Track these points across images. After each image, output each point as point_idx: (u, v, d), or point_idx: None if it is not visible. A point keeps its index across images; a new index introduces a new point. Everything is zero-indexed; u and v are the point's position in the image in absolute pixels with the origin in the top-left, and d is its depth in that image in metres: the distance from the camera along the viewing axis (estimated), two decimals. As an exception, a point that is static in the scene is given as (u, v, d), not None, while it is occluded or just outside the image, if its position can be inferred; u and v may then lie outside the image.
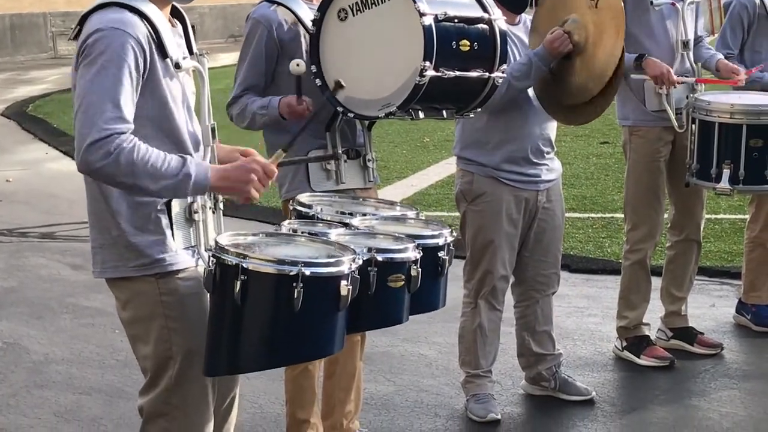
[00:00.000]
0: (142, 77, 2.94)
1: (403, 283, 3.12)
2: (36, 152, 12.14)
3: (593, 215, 8.36)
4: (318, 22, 3.90)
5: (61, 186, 9.87)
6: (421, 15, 3.63)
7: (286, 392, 4.17)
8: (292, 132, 4.04)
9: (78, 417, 4.87)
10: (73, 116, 2.90)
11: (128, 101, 2.88)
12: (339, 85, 3.54)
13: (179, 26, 3.16)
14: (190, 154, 3.04)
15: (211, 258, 2.90)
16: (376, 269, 3.04)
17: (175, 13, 3.16)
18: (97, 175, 2.90)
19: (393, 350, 5.64)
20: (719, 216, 8.14)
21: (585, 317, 6.11)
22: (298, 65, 3.85)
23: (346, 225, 3.32)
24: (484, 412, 4.69)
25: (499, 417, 4.70)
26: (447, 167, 9.84)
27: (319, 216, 3.43)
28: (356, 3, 3.82)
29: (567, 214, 8.12)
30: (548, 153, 4.72)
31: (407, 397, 5.02)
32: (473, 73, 3.85)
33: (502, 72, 3.94)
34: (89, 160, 2.84)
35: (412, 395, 5.04)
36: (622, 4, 4.47)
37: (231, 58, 4.45)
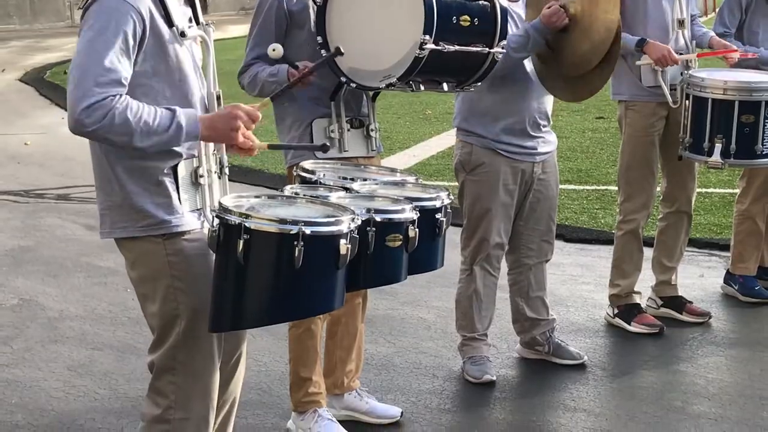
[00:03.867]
0: (140, 46, 2.93)
1: (401, 242, 3.14)
2: (52, 117, 12.15)
3: (588, 187, 8.35)
4: (325, -6, 3.89)
5: (77, 149, 9.80)
6: (423, -11, 3.62)
7: (290, 351, 4.18)
8: (299, 99, 4.04)
9: (90, 371, 4.88)
10: (68, 74, 2.90)
11: (122, 65, 2.86)
12: (338, 51, 3.50)
13: None
14: None
15: (215, 218, 2.90)
16: (374, 229, 3.06)
17: None
18: (91, 136, 2.89)
19: (393, 313, 5.64)
20: (709, 190, 8.13)
21: (578, 285, 6.11)
22: (274, 50, 3.79)
23: (347, 190, 3.32)
24: (479, 373, 4.70)
25: (494, 378, 4.71)
26: (448, 139, 9.81)
27: (321, 181, 3.43)
28: (362, -23, 3.81)
29: (563, 186, 8.13)
30: (545, 126, 4.70)
31: (406, 358, 5.03)
32: (473, 48, 3.85)
33: (502, 48, 3.93)
34: (84, 123, 2.83)
35: (411, 356, 5.04)
36: None
37: (241, 29, 4.41)
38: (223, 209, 2.89)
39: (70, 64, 2.91)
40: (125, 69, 2.88)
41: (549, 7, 4.39)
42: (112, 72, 2.84)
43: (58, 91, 13.75)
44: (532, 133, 4.63)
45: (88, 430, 4.27)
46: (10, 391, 4.66)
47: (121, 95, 2.85)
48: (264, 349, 5.05)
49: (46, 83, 15.03)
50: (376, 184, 3.48)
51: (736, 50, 5.22)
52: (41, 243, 7.10)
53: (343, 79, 3.87)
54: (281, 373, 4.69)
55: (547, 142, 4.73)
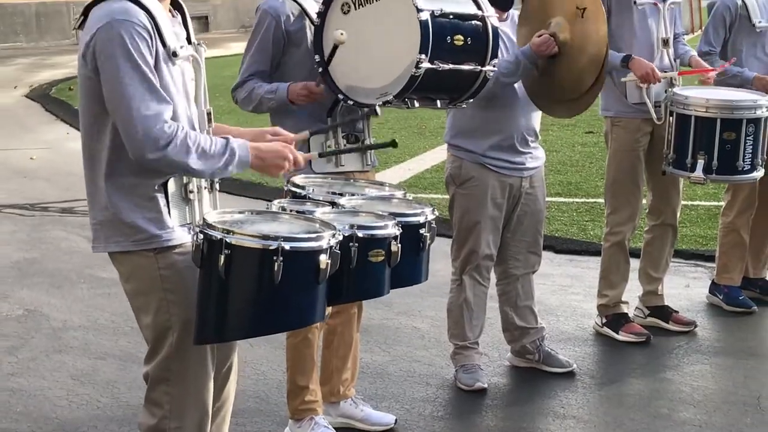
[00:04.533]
0: (154, 60, 2.93)
1: (383, 258, 3.12)
2: (58, 132, 12.14)
3: (577, 200, 8.37)
4: (322, 15, 3.91)
5: (81, 164, 9.81)
6: (419, 11, 3.64)
7: (287, 359, 4.18)
8: (297, 115, 4.06)
9: (93, 380, 4.89)
10: (113, 113, 2.89)
11: (157, 87, 2.89)
12: (374, 112, 3.63)
13: (179, 16, 3.14)
14: None
15: (199, 233, 2.90)
16: (357, 245, 3.05)
17: (174, 4, 3.14)
18: (157, 165, 2.91)
19: (388, 323, 5.66)
20: (695, 202, 8.16)
21: (568, 295, 6.13)
22: (342, 34, 3.78)
23: (333, 204, 3.32)
24: (471, 381, 4.72)
25: (485, 386, 4.72)
26: (441, 153, 9.78)
27: (310, 196, 3.44)
28: (358, -3, 3.83)
29: (553, 199, 8.19)
30: (533, 142, 4.72)
31: (400, 366, 5.04)
32: (466, 67, 3.86)
33: (493, 66, 3.95)
34: (148, 156, 2.86)
35: (405, 365, 5.06)
36: (605, 13, 4.44)
37: (242, 47, 4.46)
38: (206, 225, 2.89)
39: (113, 97, 2.88)
40: (159, 88, 2.90)
41: (539, 36, 4.43)
42: (155, 98, 2.87)
43: (64, 107, 13.75)
44: (521, 149, 4.65)
45: (91, 438, 4.29)
46: (15, 399, 4.66)
47: (170, 117, 2.88)
48: (262, 357, 5.06)
49: (51, 99, 15.03)
50: (363, 198, 3.49)
51: (713, 69, 5.25)
52: (46, 255, 7.10)
53: (341, 97, 3.89)
54: (279, 381, 4.70)
55: (535, 158, 4.75)
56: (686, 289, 6.19)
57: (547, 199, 7.93)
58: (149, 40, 2.91)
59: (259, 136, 3.24)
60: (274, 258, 2.80)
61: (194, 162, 2.90)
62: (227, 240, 2.82)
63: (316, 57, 3.93)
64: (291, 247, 2.82)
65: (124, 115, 2.87)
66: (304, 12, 4.04)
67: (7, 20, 24.83)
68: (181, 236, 3.07)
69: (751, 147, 5.07)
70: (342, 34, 3.75)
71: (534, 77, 4.55)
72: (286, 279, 2.81)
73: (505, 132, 4.60)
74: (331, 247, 2.90)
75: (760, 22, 5.55)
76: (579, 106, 4.61)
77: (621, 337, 5.32)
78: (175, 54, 3.01)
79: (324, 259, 2.87)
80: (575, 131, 11.39)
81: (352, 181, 3.83)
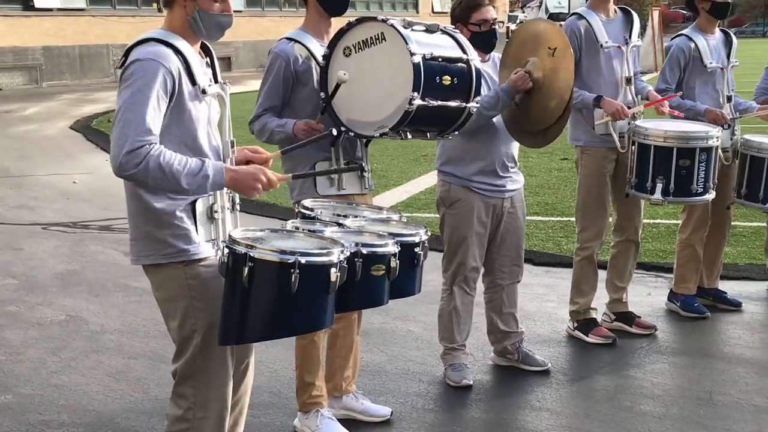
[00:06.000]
0: (171, 100, 2.97)
1: (384, 272, 3.14)
2: (98, 159, 12.18)
3: (553, 219, 8.38)
4: (327, 57, 3.93)
5: (117, 187, 9.66)
6: (412, 54, 3.66)
7: (296, 359, 4.19)
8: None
9: (127, 377, 4.90)
10: (112, 124, 2.94)
11: (155, 118, 2.91)
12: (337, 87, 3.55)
13: (206, 58, 3.18)
14: None
15: (225, 248, 2.92)
16: (361, 260, 3.07)
17: (204, 48, 3.19)
18: (131, 179, 2.93)
19: (386, 326, 5.66)
20: (657, 221, 8.16)
21: (544, 302, 6.13)
22: (344, 74, 3.81)
23: (340, 225, 3.34)
24: (459, 378, 4.72)
25: (471, 383, 4.73)
26: (434, 177, 9.76)
27: (319, 217, 3.46)
28: (359, 42, 3.85)
29: (532, 218, 8.19)
30: (512, 167, 4.74)
31: (396, 365, 5.04)
32: (453, 103, 3.87)
33: (477, 102, 3.97)
34: (125, 167, 2.88)
35: (401, 364, 5.06)
36: (572, 54, 4.46)
37: (259, 83, 4.49)
38: (231, 240, 2.92)
39: (114, 116, 2.93)
40: (158, 121, 2.93)
41: (516, 73, 4.46)
42: (148, 125, 2.88)
43: (103, 137, 13.78)
44: (501, 174, 4.67)
45: (124, 428, 4.28)
46: (57, 394, 4.68)
47: (154, 144, 2.89)
48: (275, 358, 5.07)
49: (92, 130, 15.07)
50: (365, 220, 3.50)
51: (663, 99, 5.24)
52: (86, 267, 7.12)
53: (343, 129, 3.90)
54: (290, 378, 4.70)
55: (515, 181, 4.76)
56: (648, 297, 6.19)
57: (527, 217, 7.97)
58: (172, 83, 2.95)
59: (240, 152, 3.25)
60: (292, 270, 2.82)
61: (167, 181, 2.91)
62: (251, 254, 2.84)
63: (322, 94, 3.95)
64: (306, 261, 2.84)
65: (115, 133, 2.91)
66: (311, 55, 4.07)
67: (54, 61, 24.92)
68: (207, 251, 3.10)
69: (703, 172, 5.09)
70: (345, 74, 3.77)
71: (512, 109, 4.57)
72: (302, 289, 2.84)
73: (487, 159, 4.62)
74: (340, 261, 2.92)
75: (711, 63, 5.58)
76: (546, 139, 4.60)
77: (590, 339, 5.33)
78: (204, 92, 3.05)
79: (334, 272, 2.89)
80: (552, 158, 11.40)
81: (354, 205, 3.84)
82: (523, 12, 57.42)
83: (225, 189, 3.15)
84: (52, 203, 9.63)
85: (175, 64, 2.98)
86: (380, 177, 10.46)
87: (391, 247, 3.16)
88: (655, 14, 29.04)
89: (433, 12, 39.12)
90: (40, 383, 4.82)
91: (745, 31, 65.55)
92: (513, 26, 40.29)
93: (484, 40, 4.54)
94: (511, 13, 53.22)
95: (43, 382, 4.84)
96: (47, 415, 4.43)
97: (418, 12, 39.76)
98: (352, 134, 3.92)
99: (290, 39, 4.11)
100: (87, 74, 25.34)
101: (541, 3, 55.46)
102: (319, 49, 4.04)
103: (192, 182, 2.94)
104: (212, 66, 3.20)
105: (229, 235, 2.96)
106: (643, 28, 34.36)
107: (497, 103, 4.46)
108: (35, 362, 5.12)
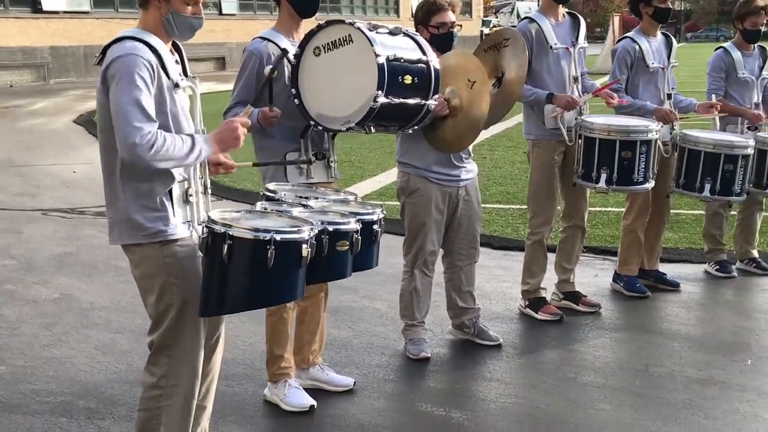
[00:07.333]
0: (154, 87, 2.97)
1: (347, 247, 3.18)
2: (97, 151, 12.03)
3: (513, 207, 8.39)
4: (298, 56, 3.92)
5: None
6: (377, 55, 3.66)
7: (266, 334, 4.19)
8: (276, 137, 4.07)
9: (113, 350, 4.89)
10: (113, 119, 2.93)
11: (150, 105, 2.93)
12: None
13: (176, 55, 3.17)
14: None
15: (205, 228, 2.94)
16: (327, 237, 3.10)
17: (174, 45, 3.18)
18: (139, 162, 2.94)
19: (354, 305, 5.67)
20: (608, 209, 8.20)
21: (500, 283, 6.15)
22: (270, 68, 3.86)
23: (304, 206, 3.36)
24: (417, 351, 4.74)
25: (429, 355, 4.74)
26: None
27: (282, 199, 3.47)
28: (328, 43, 3.84)
29: (494, 205, 8.20)
30: (466, 158, 4.73)
31: (361, 340, 5.05)
32: (413, 101, 3.87)
33: (435, 100, 3.96)
34: (134, 153, 2.89)
35: (366, 339, 5.07)
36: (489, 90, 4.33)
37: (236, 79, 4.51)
38: (211, 220, 2.94)
39: (114, 109, 2.92)
40: (153, 108, 2.95)
41: (436, 99, 4.17)
42: (144, 111, 2.90)
43: (103, 130, 13.70)
44: (456, 164, 4.67)
45: (108, 397, 4.27)
46: (48, 365, 4.66)
47: (154, 128, 2.91)
48: (250, 332, 5.07)
49: (94, 124, 14.71)
50: (327, 201, 3.52)
51: (602, 88, 5.23)
52: (80, 250, 7.09)
53: (312, 122, 3.91)
54: (262, 351, 4.68)
55: (469, 171, 4.76)
56: (595, 278, 6.21)
57: (489, 205, 7.96)
58: (152, 73, 2.95)
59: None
60: (268, 247, 2.85)
61: (168, 163, 2.95)
62: (230, 233, 2.87)
63: (292, 90, 3.93)
64: (281, 238, 2.88)
65: (119, 125, 2.91)
66: (282, 53, 4.06)
67: (61, 60, 24.76)
68: (182, 232, 3.11)
69: (644, 163, 5.11)
70: (270, 68, 3.76)
71: (427, 129, 4.43)
72: (277, 263, 2.87)
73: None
74: (310, 238, 2.95)
75: (653, 63, 5.60)
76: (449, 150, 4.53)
77: (540, 316, 5.35)
78: (177, 85, 3.05)
79: (306, 248, 2.93)
80: (516, 152, 11.40)
81: (313, 188, 3.85)
82: (496, 17, 57.32)
83: (198, 174, 3.15)
84: (53, 191, 9.58)
85: (151, 57, 2.97)
86: (357, 168, 10.46)
87: (354, 225, 3.19)
88: (616, 19, 29.13)
89: (413, 17, 39.01)
90: (32, 356, 4.80)
91: (700, 35, 65.72)
92: (487, 30, 40.23)
93: (442, 42, 4.53)
94: (485, 18, 53.16)
95: (36, 354, 4.82)
96: (38, 384, 4.41)
97: (399, 16, 39.71)
98: (320, 128, 3.91)
99: (263, 38, 4.09)
100: (91, 72, 25.16)
101: (513, 9, 55.40)
102: (290, 48, 4.02)
103: (191, 155, 2.99)
104: (182, 62, 3.20)
105: (209, 216, 2.98)
106: (605, 32, 34.47)
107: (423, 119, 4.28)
108: (29, 336, 5.10)
